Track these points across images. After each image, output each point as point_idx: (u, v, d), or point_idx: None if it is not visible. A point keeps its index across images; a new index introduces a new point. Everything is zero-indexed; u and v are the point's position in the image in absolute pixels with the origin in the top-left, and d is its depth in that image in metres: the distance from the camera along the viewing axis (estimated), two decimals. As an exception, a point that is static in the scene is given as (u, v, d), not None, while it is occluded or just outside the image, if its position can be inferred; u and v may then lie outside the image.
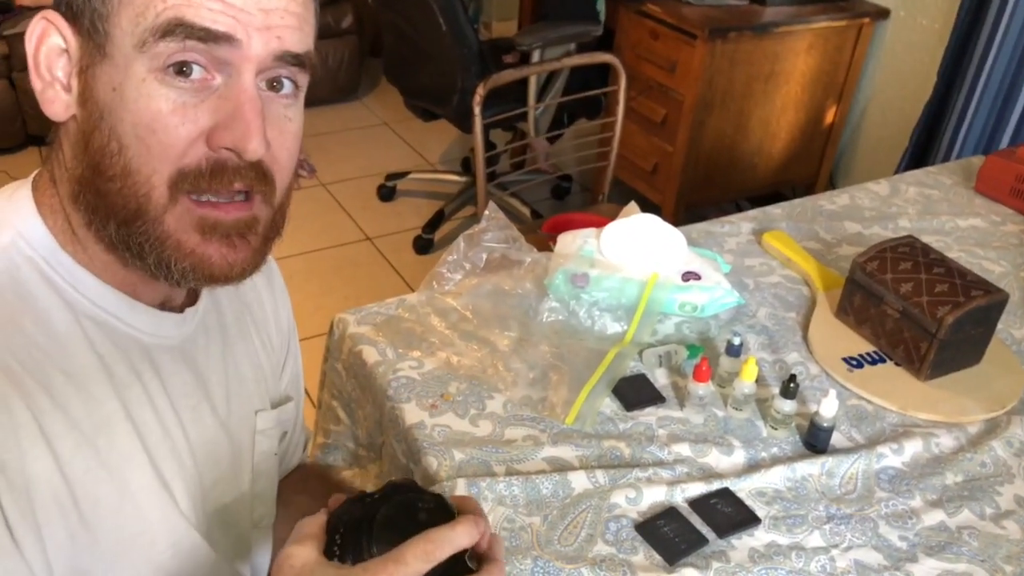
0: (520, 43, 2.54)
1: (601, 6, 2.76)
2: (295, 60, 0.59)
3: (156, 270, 0.58)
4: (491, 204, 1.29)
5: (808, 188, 3.02)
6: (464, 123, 2.76)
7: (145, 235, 0.57)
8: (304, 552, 0.53)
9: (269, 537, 0.80)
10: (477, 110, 1.99)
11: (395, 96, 3.09)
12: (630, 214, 1.33)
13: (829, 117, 2.87)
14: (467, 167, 3.41)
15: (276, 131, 0.59)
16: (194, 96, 0.55)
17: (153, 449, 0.62)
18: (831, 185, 3.04)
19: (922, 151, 2.64)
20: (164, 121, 0.54)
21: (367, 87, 4.14)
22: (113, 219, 0.57)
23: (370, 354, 1.15)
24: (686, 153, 2.69)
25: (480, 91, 1.97)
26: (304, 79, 0.62)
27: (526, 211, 2.92)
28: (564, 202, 3.31)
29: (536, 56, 2.57)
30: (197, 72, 0.55)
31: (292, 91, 0.61)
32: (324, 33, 3.91)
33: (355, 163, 3.48)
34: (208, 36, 0.54)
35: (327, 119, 3.84)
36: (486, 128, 2.09)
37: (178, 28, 0.53)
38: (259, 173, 0.58)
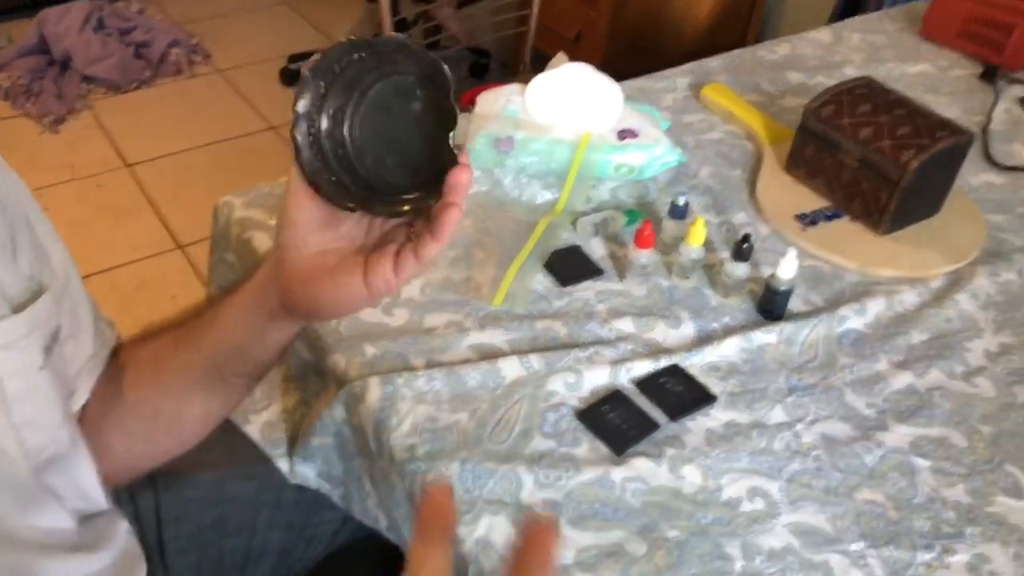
0: None
1: None
2: None
3: None
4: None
5: (737, 53, 2.88)
6: (368, -9, 2.51)
7: None
8: None
9: (75, 457, 0.62)
10: (378, -33, 1.77)
11: (293, -31, 2.80)
12: (559, 65, 1.17)
13: (757, -26, 2.71)
14: (377, 45, 3.15)
15: None
16: None
17: None
18: (761, 48, 2.90)
19: (853, 3, 2.51)
20: None
21: (262, -37, 3.77)
22: None
23: (262, 240, 0.99)
24: (611, 18, 2.50)
25: (380, -55, 1.74)
26: None
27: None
28: (483, 80, 3.10)
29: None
30: None
31: None
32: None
33: (254, 46, 3.18)
34: None
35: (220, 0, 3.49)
36: (392, -6, 1.88)
37: None
38: None
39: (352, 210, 0.53)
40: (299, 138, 0.53)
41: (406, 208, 0.53)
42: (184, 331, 0.67)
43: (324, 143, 0.53)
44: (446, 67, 0.52)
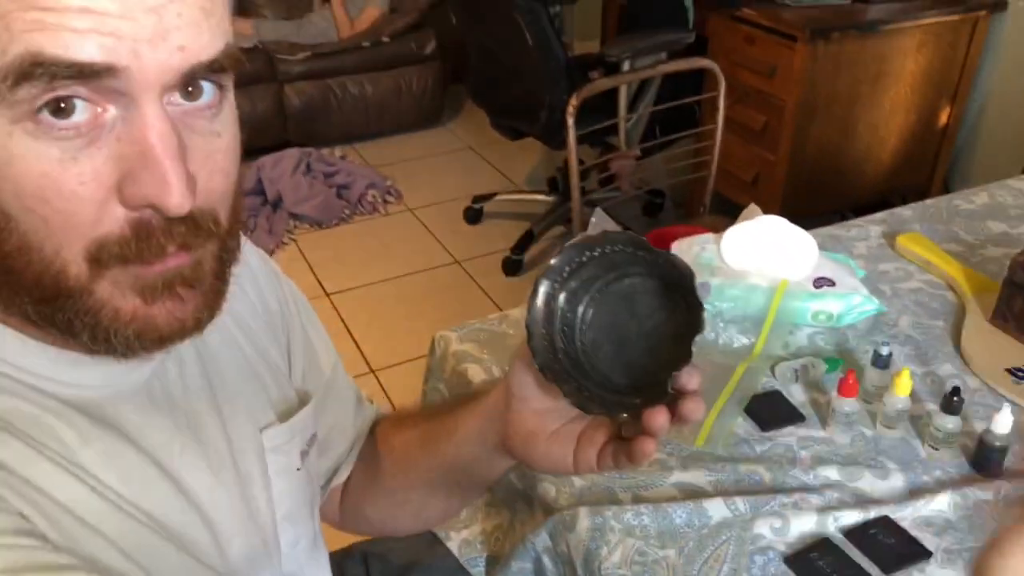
0: (610, 53, 2.46)
1: (690, 14, 2.67)
2: (210, 69, 0.43)
3: (93, 344, 0.46)
4: (598, 210, 1.21)
5: (920, 196, 2.80)
6: (552, 139, 2.70)
7: (73, 310, 0.44)
8: None
9: (318, 551, 0.71)
10: (571, 121, 1.91)
11: (479, 121, 3.05)
12: (751, 216, 1.22)
13: (943, 119, 2.69)
14: (554, 187, 3.32)
15: (202, 158, 0.45)
16: (85, 142, 0.41)
17: (123, 530, 0.49)
18: (945, 192, 2.84)
19: (1050, 150, 2.44)
20: (54, 186, 0.40)
21: (451, 113, 4.12)
22: (27, 297, 0.44)
23: (476, 372, 1.08)
24: (789, 162, 2.56)
25: (574, 102, 1.89)
26: (229, 78, 0.46)
27: (618, 229, 2.83)
28: (657, 220, 3.20)
29: (626, 67, 2.48)
30: (81, 110, 0.40)
31: (216, 96, 0.45)
32: (407, 60, 3.89)
33: (441, 187, 3.45)
34: (82, 73, 0.39)
35: (412, 145, 3.83)
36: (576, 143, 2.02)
37: (37, 69, 0.38)
38: (192, 225, 0.45)
39: (565, 396, 0.55)
40: (531, 326, 0.55)
41: (617, 411, 0.55)
42: (428, 433, 0.73)
43: (556, 326, 0.55)
44: (688, 270, 0.53)
